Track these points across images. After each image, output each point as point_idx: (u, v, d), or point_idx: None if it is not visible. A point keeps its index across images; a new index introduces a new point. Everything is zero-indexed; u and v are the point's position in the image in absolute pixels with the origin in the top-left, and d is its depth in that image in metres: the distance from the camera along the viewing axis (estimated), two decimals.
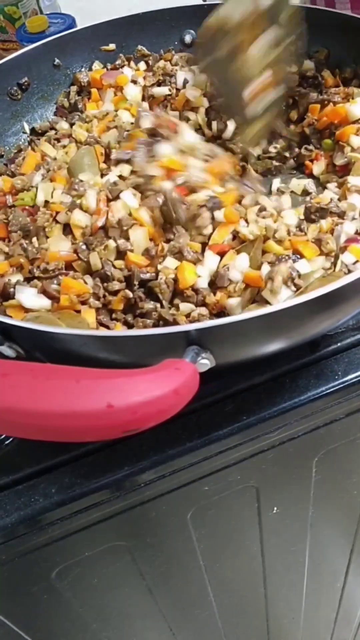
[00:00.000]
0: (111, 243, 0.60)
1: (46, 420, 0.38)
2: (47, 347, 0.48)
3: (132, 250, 0.60)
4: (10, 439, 0.56)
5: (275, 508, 0.70)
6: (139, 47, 0.89)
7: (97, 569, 0.63)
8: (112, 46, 0.88)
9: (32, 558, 0.56)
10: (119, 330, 0.56)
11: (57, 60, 0.85)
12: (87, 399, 0.37)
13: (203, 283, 0.58)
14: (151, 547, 0.65)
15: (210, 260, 0.59)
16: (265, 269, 0.57)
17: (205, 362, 0.43)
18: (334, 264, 0.58)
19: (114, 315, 0.58)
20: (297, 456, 0.63)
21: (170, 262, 0.59)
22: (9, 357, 0.48)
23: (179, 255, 0.59)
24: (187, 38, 0.89)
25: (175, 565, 0.70)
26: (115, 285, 0.58)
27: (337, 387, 0.57)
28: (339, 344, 0.60)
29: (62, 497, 0.52)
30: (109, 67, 0.88)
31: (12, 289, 0.59)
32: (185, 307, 0.57)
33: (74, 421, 0.37)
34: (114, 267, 0.59)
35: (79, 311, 0.57)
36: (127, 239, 0.61)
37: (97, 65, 0.88)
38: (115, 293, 0.58)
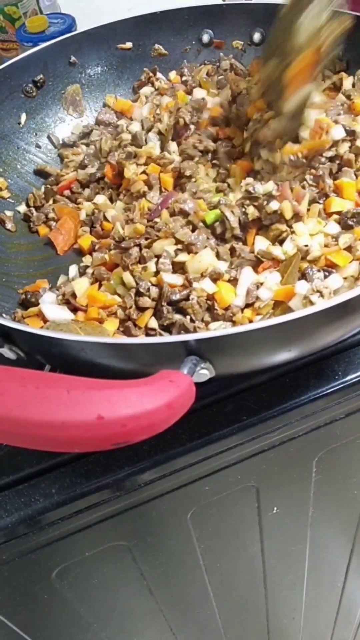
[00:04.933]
0: (151, 265, 0.60)
1: (34, 430, 0.36)
2: (45, 351, 0.48)
3: (183, 272, 0.60)
4: None
5: (275, 508, 0.70)
6: (156, 45, 0.88)
7: (97, 569, 0.63)
8: (128, 44, 0.88)
9: (32, 558, 0.56)
10: (117, 338, 0.56)
11: (72, 58, 0.85)
12: (77, 409, 0.36)
13: (239, 302, 0.58)
14: (151, 547, 0.65)
15: (247, 277, 0.59)
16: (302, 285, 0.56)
17: (205, 373, 0.42)
18: None
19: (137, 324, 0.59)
20: (297, 456, 0.63)
21: (208, 285, 0.59)
22: (9, 359, 0.48)
23: (216, 277, 0.59)
24: (205, 37, 0.88)
25: (176, 565, 0.70)
26: (147, 302, 0.58)
27: (337, 387, 0.57)
28: (339, 344, 0.60)
29: (62, 497, 0.52)
30: (133, 83, 0.88)
31: (32, 299, 0.61)
32: (214, 325, 0.57)
33: (62, 431, 0.36)
34: (152, 284, 0.60)
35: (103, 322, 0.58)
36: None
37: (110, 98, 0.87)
38: (143, 310, 0.58)
